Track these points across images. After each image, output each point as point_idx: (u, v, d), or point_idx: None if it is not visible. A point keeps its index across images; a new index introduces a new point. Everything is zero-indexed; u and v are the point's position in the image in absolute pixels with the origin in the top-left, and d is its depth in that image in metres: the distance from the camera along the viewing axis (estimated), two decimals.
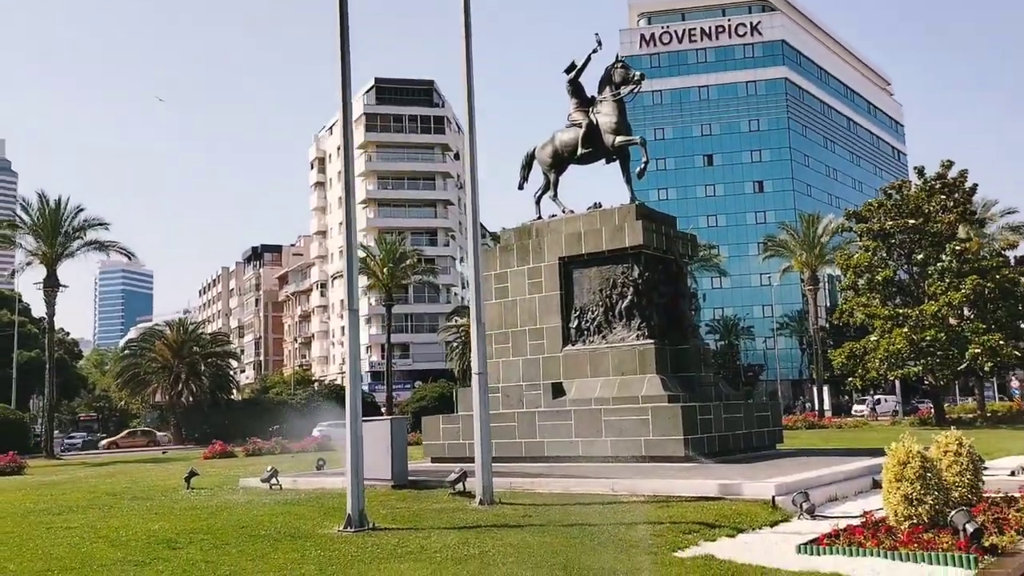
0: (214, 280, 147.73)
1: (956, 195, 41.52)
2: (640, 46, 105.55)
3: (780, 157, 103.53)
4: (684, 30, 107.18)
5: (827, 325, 65.48)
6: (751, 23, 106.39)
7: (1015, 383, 73.78)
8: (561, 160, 20.88)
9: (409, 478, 15.55)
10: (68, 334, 79.88)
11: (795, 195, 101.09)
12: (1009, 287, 39.09)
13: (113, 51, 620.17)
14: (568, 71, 20.61)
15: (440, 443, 19.77)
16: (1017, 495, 11.22)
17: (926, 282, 40.51)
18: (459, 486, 13.60)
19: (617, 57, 20.45)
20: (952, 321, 39.27)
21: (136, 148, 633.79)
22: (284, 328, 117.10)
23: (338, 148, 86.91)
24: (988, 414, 44.95)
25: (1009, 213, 49.83)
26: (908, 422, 44.86)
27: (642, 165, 19.46)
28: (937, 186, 41.81)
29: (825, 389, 65.59)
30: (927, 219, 40.73)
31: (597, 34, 20.01)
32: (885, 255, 42.17)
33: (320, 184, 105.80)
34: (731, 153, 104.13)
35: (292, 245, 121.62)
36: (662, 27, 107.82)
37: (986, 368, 39.88)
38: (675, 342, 18.79)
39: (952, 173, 42.16)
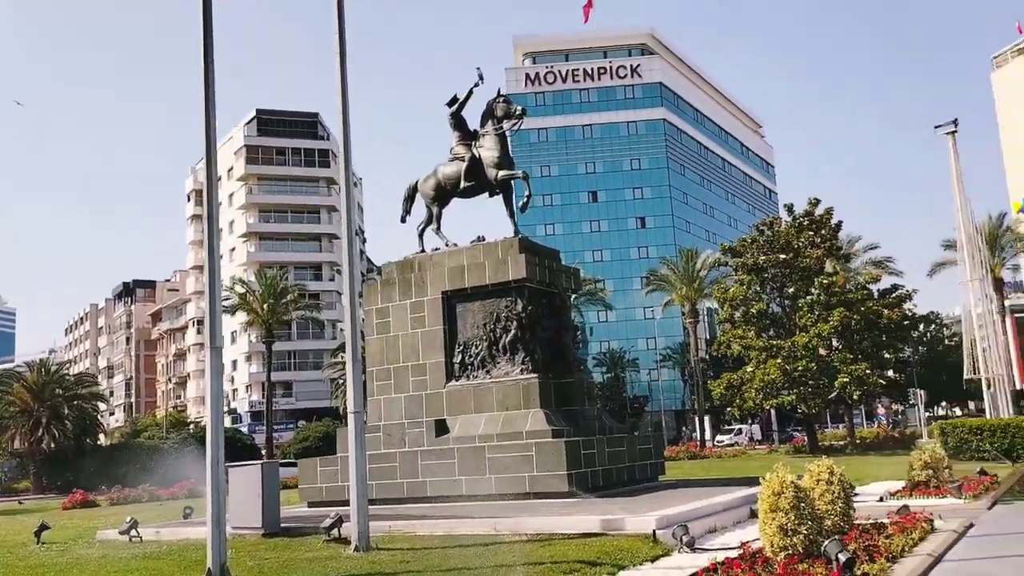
0: (82, 318, 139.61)
1: (823, 231, 43.64)
2: (525, 85, 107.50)
3: (660, 195, 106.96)
4: (568, 70, 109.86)
5: (707, 357, 67.40)
6: (631, 65, 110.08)
7: (881, 410, 78.00)
8: (444, 193, 20.70)
9: (282, 525, 14.73)
10: None
11: (675, 231, 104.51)
12: (873, 319, 41.23)
13: None
14: (450, 104, 20.58)
15: (317, 486, 18.95)
16: (886, 521, 11.54)
17: (797, 314, 42.19)
18: (334, 532, 12.95)
19: (499, 92, 20.53)
20: (822, 352, 40.99)
21: None
22: (157, 368, 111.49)
23: (217, 180, 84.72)
24: (857, 440, 47.04)
25: (872, 248, 52.93)
26: (784, 450, 46.40)
27: (524, 199, 19.50)
28: (805, 223, 43.81)
29: (706, 419, 67.34)
30: (797, 254, 42.59)
31: (479, 68, 20.15)
32: (759, 288, 43.72)
33: (197, 217, 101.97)
34: (614, 190, 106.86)
35: (167, 280, 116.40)
36: (547, 67, 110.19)
37: (854, 396, 41.66)
38: (559, 376, 18.72)
39: (819, 211, 44.33)
